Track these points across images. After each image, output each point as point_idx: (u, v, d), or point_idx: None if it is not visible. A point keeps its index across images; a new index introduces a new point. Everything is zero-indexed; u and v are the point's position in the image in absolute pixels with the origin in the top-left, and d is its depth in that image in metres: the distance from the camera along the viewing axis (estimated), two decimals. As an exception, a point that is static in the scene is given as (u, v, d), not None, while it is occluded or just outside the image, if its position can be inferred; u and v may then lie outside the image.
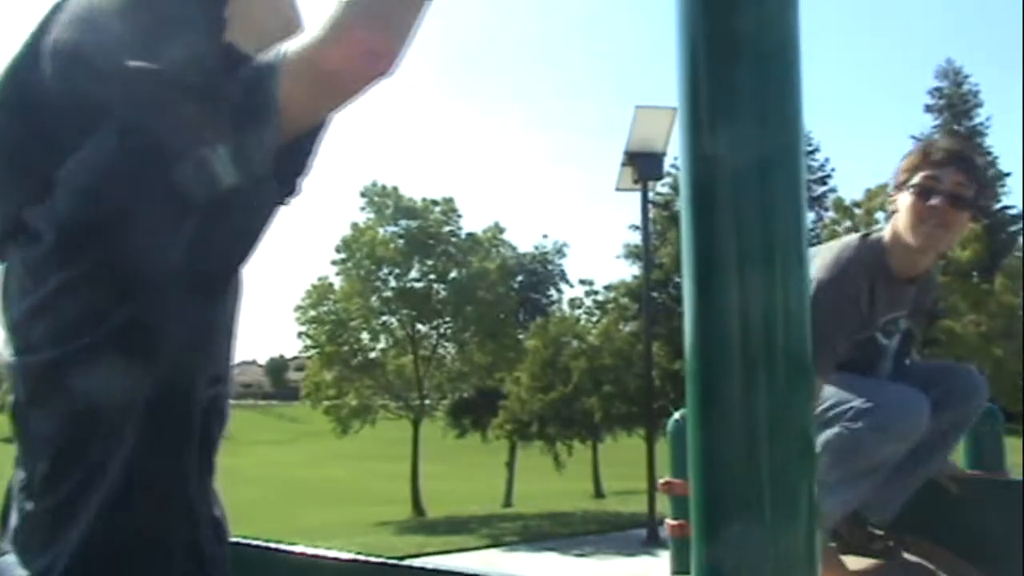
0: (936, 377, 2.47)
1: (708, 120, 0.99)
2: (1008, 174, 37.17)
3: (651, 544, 10.61)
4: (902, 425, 2.28)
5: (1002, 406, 3.64)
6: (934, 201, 2.37)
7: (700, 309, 0.99)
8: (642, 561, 9.72)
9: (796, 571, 0.95)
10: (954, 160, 2.41)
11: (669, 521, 3.37)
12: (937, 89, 36.69)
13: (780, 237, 0.97)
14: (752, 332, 0.96)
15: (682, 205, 1.02)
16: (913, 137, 28.32)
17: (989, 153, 36.00)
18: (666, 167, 12.37)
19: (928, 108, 36.58)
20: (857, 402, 2.28)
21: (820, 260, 2.40)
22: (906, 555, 2.38)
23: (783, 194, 0.98)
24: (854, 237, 2.50)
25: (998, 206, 35.63)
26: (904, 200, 2.43)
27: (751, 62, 0.98)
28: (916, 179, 2.41)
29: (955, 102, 35.01)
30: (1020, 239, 37.08)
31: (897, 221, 2.44)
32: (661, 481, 3.45)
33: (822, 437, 2.34)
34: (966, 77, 35.96)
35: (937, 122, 35.34)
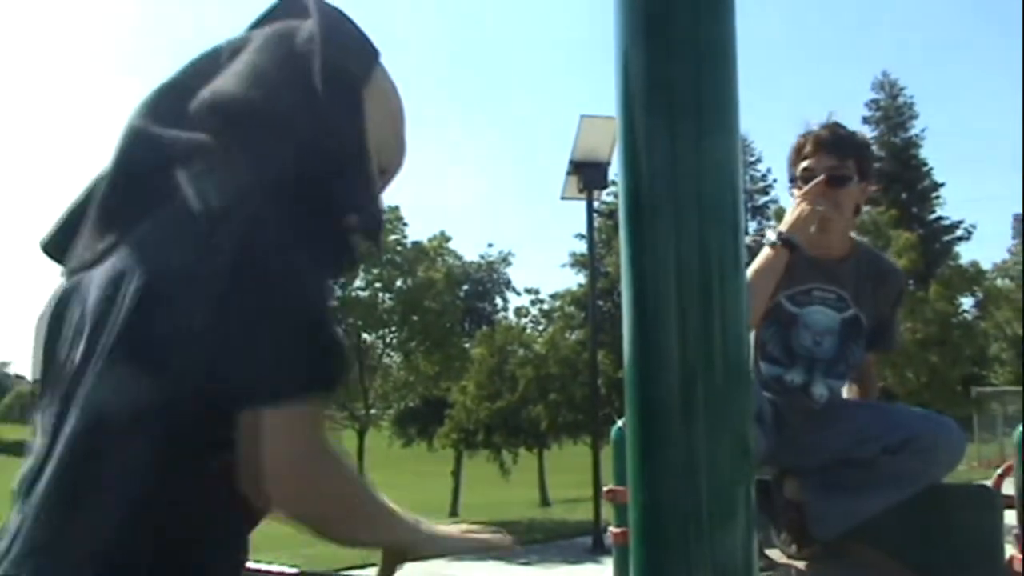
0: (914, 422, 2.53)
1: (644, 129, 1.00)
2: (942, 184, 38.07)
3: (597, 552, 10.65)
4: (947, 451, 2.42)
5: (937, 411, 3.72)
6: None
7: (638, 318, 0.99)
8: (587, 569, 9.75)
9: (734, 573, 0.97)
10: (824, 144, 2.59)
11: (612, 529, 3.38)
12: (874, 101, 37.51)
13: (717, 245, 0.98)
14: (690, 340, 0.97)
15: (620, 214, 1.02)
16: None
17: (924, 164, 36.75)
18: (611, 176, 12.46)
19: (865, 120, 37.41)
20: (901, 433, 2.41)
21: None
22: (837, 558, 2.41)
23: (720, 203, 0.99)
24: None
25: (932, 216, 36.44)
26: (796, 192, 2.61)
27: (688, 69, 0.99)
28: (797, 171, 2.62)
29: (891, 114, 35.79)
30: (955, 248, 37.99)
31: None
32: (605, 489, 3.47)
33: (889, 469, 2.40)
34: (901, 89, 36.80)
35: (874, 133, 36.09)
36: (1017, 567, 2.33)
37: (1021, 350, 36.66)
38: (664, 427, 0.97)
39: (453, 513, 18.02)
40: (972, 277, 37.66)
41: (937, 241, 36.88)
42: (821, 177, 2.48)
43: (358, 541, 1.28)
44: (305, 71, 1.13)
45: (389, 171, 1.27)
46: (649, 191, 1.00)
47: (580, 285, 28.91)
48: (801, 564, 2.29)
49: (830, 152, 2.56)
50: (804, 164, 2.59)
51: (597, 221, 13.30)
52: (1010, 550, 2.39)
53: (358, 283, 22.64)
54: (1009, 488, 2.53)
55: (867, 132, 35.78)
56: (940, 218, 38.43)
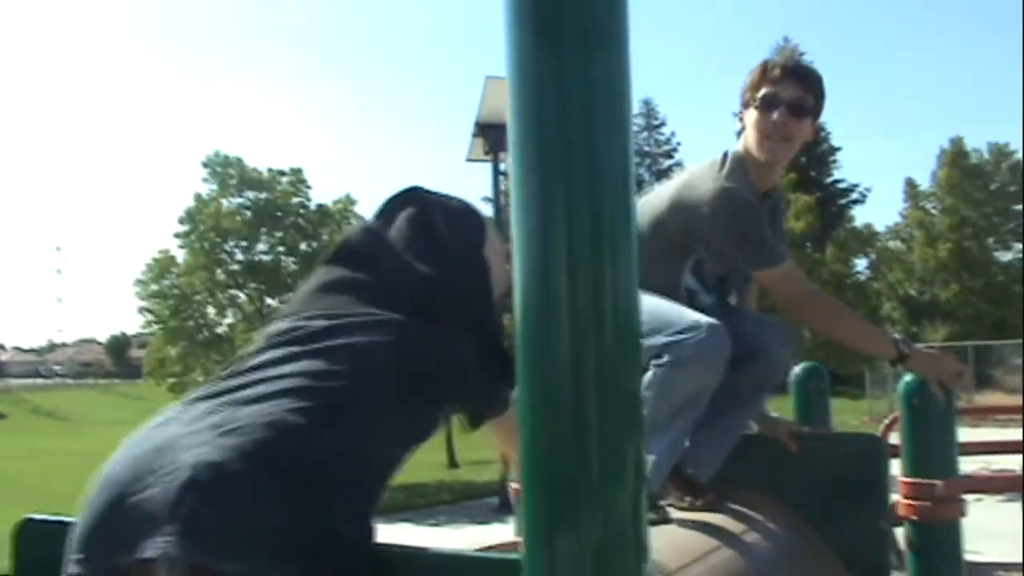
0: (750, 327, 2.57)
1: (535, 90, 1.00)
2: (839, 148, 39.09)
3: (504, 512, 10.76)
4: (707, 356, 2.35)
5: (830, 369, 3.85)
6: (775, 115, 2.48)
7: (529, 278, 1.00)
8: (494, 528, 9.85)
9: (624, 530, 0.99)
10: (792, 73, 2.53)
11: (514, 485, 3.42)
12: (774, 66, 38.12)
13: (608, 208, 0.99)
14: (581, 300, 0.98)
15: (511, 178, 1.03)
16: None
17: (822, 129, 37.63)
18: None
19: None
20: (661, 338, 2.33)
21: (701, 179, 2.48)
22: (731, 505, 2.47)
23: (611, 166, 1.00)
24: (719, 158, 2.55)
25: (829, 180, 37.45)
26: (750, 116, 2.53)
27: (578, 31, 1.00)
28: (759, 94, 2.51)
29: (791, 79, 36.39)
30: (850, 211, 39.16)
31: (746, 138, 2.54)
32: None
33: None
34: (801, 55, 37.46)
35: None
36: (901, 512, 2.43)
37: (911, 309, 38.15)
38: (554, 385, 0.98)
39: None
40: (866, 239, 38.95)
41: (834, 204, 37.94)
42: (967, 374, 2.46)
43: None
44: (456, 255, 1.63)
45: (500, 293, 1.69)
46: (539, 153, 1.00)
47: (487, 248, 28.81)
48: (692, 515, 2.34)
49: (798, 82, 2.50)
50: (768, 89, 2.49)
51: (503, 184, 13.28)
52: (895, 496, 2.50)
53: (261, 247, 22.24)
54: (896, 439, 2.63)
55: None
56: (837, 181, 39.54)
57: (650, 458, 2.38)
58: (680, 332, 2.33)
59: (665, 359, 2.31)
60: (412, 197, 1.71)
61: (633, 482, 0.99)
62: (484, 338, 1.58)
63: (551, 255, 0.98)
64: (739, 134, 2.59)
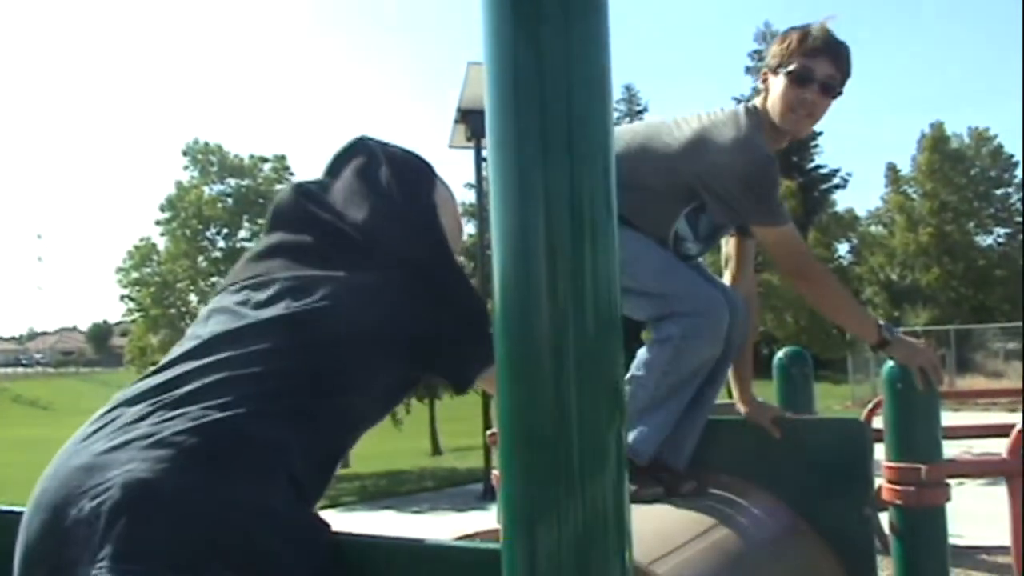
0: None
1: (512, 68, 0.98)
2: (820, 133, 39.16)
3: (486, 499, 10.76)
4: (714, 333, 2.38)
5: (814, 354, 3.85)
6: (807, 92, 2.46)
7: (508, 264, 0.98)
8: (476, 515, 9.85)
9: (606, 517, 0.97)
10: (828, 50, 2.49)
11: (496, 472, 3.41)
12: (756, 52, 38.18)
13: (588, 190, 0.97)
14: (561, 283, 0.96)
15: (491, 167, 1.00)
16: (735, 98, 29.41)
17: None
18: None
19: (748, 70, 38.04)
20: (668, 308, 2.37)
21: (722, 128, 2.44)
22: (716, 491, 2.46)
23: (592, 149, 0.98)
24: (740, 110, 2.52)
25: (811, 165, 37.59)
26: (778, 84, 2.50)
27: (559, 19, 0.97)
28: (792, 65, 2.47)
29: (773, 64, 36.44)
30: (831, 196, 39.30)
31: (769, 102, 2.52)
32: (489, 433, 3.49)
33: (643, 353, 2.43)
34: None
35: (757, 83, 36.76)
36: (885, 496, 2.43)
37: (892, 294, 38.37)
38: (534, 371, 0.96)
39: (345, 464, 17.98)
40: (848, 224, 39.09)
41: (815, 189, 38.06)
42: (937, 360, 2.42)
43: None
44: (395, 202, 1.58)
45: (456, 248, 1.66)
46: (519, 138, 0.97)
47: (470, 235, 28.88)
48: (676, 502, 2.32)
49: (832, 60, 2.47)
50: (803, 61, 2.44)
51: (485, 169, 13.26)
52: (879, 481, 2.49)
53: (243, 234, 22.13)
54: (879, 423, 2.63)
55: (750, 82, 36.58)
56: (818, 166, 39.66)
57: (643, 430, 2.38)
58: (690, 306, 2.35)
59: (674, 333, 2.35)
60: (358, 148, 1.68)
61: (615, 468, 0.97)
62: (442, 287, 1.51)
63: (530, 237, 0.96)
64: (755, 91, 2.59)
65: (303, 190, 1.62)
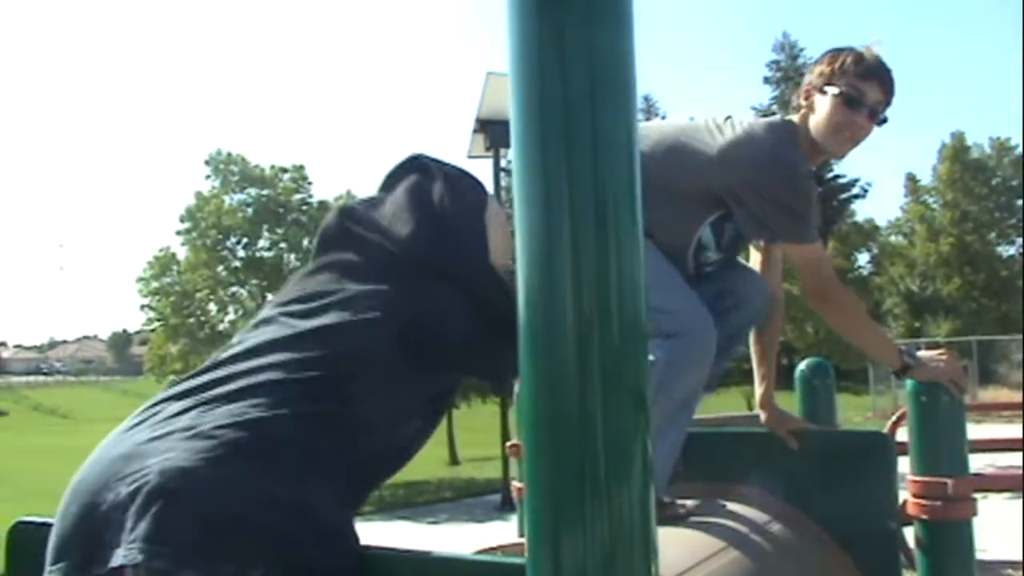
0: (727, 279, 2.59)
1: (539, 87, 0.97)
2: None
3: (505, 509, 10.73)
4: (699, 351, 2.33)
5: (834, 364, 3.81)
6: (856, 115, 2.43)
7: (533, 272, 0.96)
8: (494, 526, 9.82)
9: (632, 530, 0.95)
10: (879, 75, 2.45)
11: (515, 483, 3.39)
12: (775, 62, 38.11)
13: (613, 200, 0.96)
14: (585, 291, 0.94)
15: (515, 173, 0.99)
16: (753, 108, 29.36)
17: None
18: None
19: (766, 80, 37.95)
20: (659, 325, 2.28)
21: (760, 139, 2.40)
22: (737, 505, 2.43)
23: (616, 161, 0.97)
24: (778, 122, 2.50)
25: (830, 175, 37.42)
26: (824, 103, 2.45)
27: (583, 25, 0.96)
28: (842, 86, 2.43)
29: (791, 74, 36.37)
30: (851, 206, 39.10)
31: (812, 120, 2.47)
32: (509, 444, 3.47)
33: None
34: (801, 50, 37.40)
35: (775, 93, 36.71)
36: (911, 511, 2.39)
37: (913, 304, 38.11)
38: (558, 379, 0.95)
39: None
40: (867, 234, 38.89)
41: (835, 199, 37.87)
42: (962, 371, 2.40)
43: None
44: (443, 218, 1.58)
45: (507, 263, 1.65)
46: (543, 150, 0.96)
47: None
48: (699, 517, 2.29)
49: (881, 86, 2.44)
50: (855, 84, 2.41)
51: (504, 180, 13.24)
52: (904, 495, 2.46)
53: (262, 243, 22.25)
54: (903, 435, 2.59)
55: (768, 92, 36.52)
56: (837, 176, 39.45)
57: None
58: (677, 326, 2.30)
59: (658, 357, 2.26)
60: (413, 165, 1.69)
61: (641, 480, 0.96)
62: (483, 300, 1.52)
63: (554, 245, 0.95)
64: (794, 106, 2.53)
65: (347, 212, 1.65)
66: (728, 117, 2.48)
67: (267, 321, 1.48)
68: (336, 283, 1.49)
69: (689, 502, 2.38)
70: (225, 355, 1.43)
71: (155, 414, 1.34)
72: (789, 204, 2.36)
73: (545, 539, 0.96)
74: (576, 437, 0.94)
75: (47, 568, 1.25)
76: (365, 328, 1.41)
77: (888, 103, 2.49)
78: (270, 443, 1.26)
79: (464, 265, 1.55)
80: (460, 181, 1.68)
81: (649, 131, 2.48)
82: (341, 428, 1.34)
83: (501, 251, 1.65)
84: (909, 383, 2.40)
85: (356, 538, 1.31)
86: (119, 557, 1.17)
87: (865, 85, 2.42)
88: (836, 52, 2.49)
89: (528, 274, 0.96)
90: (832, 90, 2.43)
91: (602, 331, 0.94)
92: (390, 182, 1.68)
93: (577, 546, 0.94)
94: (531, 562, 0.96)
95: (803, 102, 2.51)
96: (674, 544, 1.94)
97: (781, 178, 2.34)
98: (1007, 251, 40.19)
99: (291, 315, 1.46)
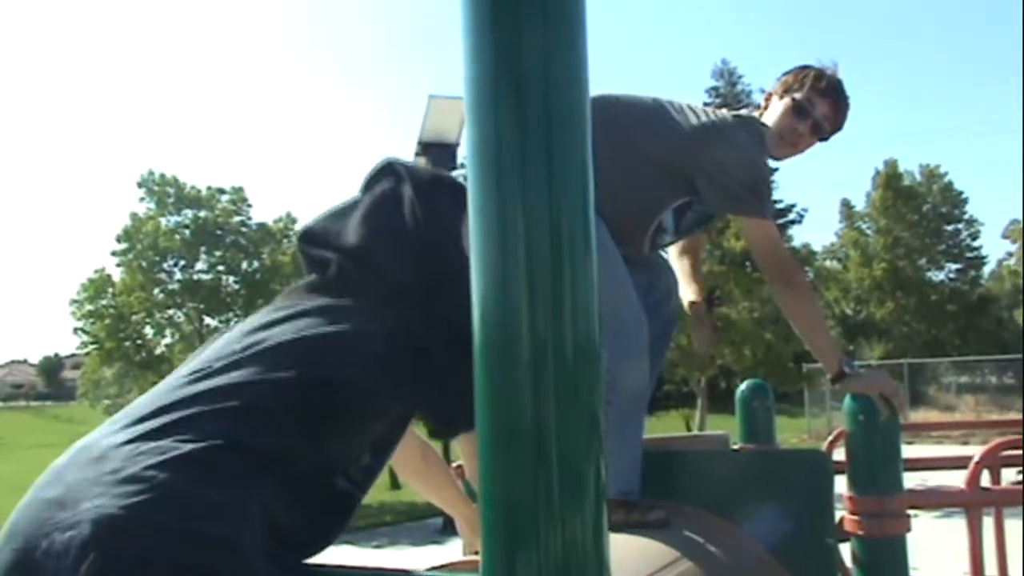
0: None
1: (492, 110, 0.99)
2: (776, 169, 39.73)
3: (447, 532, 10.67)
4: (638, 346, 2.41)
5: (772, 386, 3.88)
6: (801, 124, 2.61)
7: (488, 293, 0.98)
8: (435, 550, 9.77)
9: (586, 551, 0.97)
10: (835, 96, 2.63)
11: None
12: (714, 88, 38.76)
13: (567, 220, 0.98)
14: (540, 313, 0.96)
15: (470, 195, 1.01)
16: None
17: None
18: (460, 158, 12.43)
19: (706, 104, 38.50)
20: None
21: (725, 121, 2.55)
22: (679, 522, 2.45)
23: (571, 184, 0.99)
24: (749, 117, 2.64)
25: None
26: (778, 107, 2.65)
27: (539, 49, 0.99)
28: (798, 95, 2.61)
29: (730, 100, 37.01)
30: (788, 231, 39.77)
31: (766, 119, 2.65)
32: (455, 464, 3.46)
33: None
34: (739, 77, 38.12)
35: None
36: (847, 527, 2.45)
37: (847, 328, 38.84)
38: (513, 401, 0.96)
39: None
40: (804, 258, 39.56)
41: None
42: (896, 388, 2.46)
43: None
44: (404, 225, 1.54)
45: None
46: (496, 167, 0.99)
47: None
48: (639, 532, 2.30)
49: (833, 104, 2.62)
50: (808, 95, 2.60)
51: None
52: (839, 514, 2.52)
53: (200, 266, 21.93)
54: (840, 455, 2.65)
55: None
56: (776, 201, 40.16)
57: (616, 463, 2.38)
58: (614, 326, 2.36)
59: (606, 353, 2.32)
60: (385, 171, 1.65)
61: (594, 498, 0.98)
62: (444, 312, 1.41)
63: (509, 269, 0.97)
64: (757, 107, 2.73)
65: (302, 235, 1.64)
66: (699, 104, 2.65)
67: (216, 338, 1.47)
68: (291, 303, 1.47)
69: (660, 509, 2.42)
70: (164, 383, 1.40)
71: (88, 448, 1.31)
72: (749, 182, 2.48)
73: (499, 556, 0.97)
74: (530, 455, 0.96)
75: None
76: (307, 349, 1.38)
77: (837, 125, 2.67)
78: (201, 481, 1.23)
79: (425, 272, 1.50)
80: (433, 185, 1.63)
81: (621, 99, 2.58)
82: (278, 461, 1.31)
83: None
84: (847, 403, 2.47)
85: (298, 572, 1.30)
86: None
87: (818, 100, 2.61)
88: (804, 68, 2.70)
89: (483, 295, 0.98)
90: (787, 97, 2.62)
91: (556, 350, 0.96)
92: (366, 188, 1.65)
93: (531, 563, 0.95)
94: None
95: (763, 103, 2.71)
96: (614, 561, 1.95)
97: (744, 158, 2.48)
98: (936, 276, 41.21)
99: (242, 334, 1.43)
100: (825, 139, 2.66)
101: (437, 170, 1.72)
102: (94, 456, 1.27)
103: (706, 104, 2.78)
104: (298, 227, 1.76)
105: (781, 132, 2.60)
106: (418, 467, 2.21)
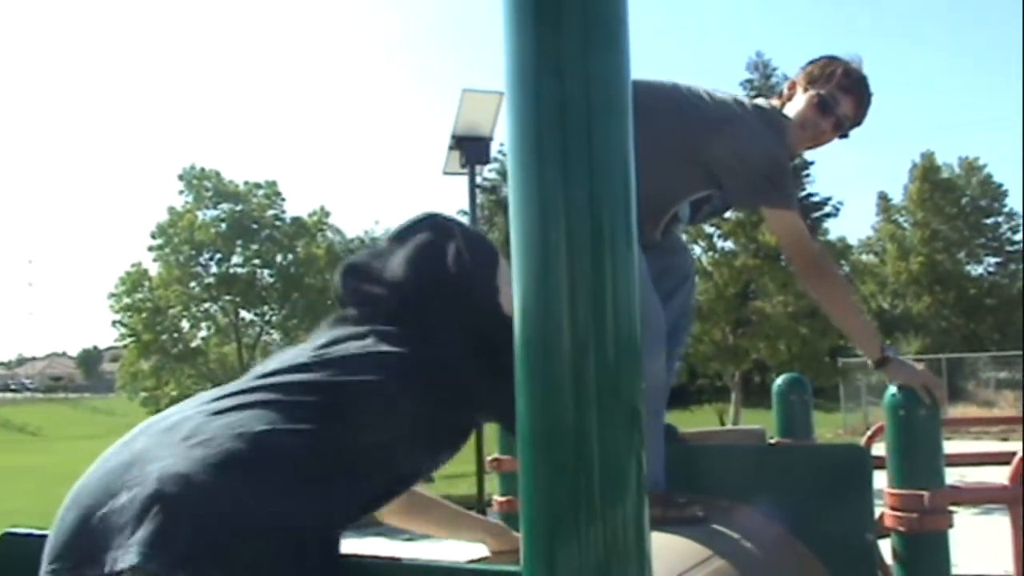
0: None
1: (534, 108, 0.99)
2: (812, 163, 39.40)
3: (481, 526, 10.68)
4: (655, 336, 2.40)
5: (810, 379, 3.85)
6: (823, 120, 2.58)
7: (529, 291, 0.98)
8: (470, 544, 9.78)
9: (627, 547, 0.97)
10: (859, 93, 2.60)
11: (497, 498, 3.40)
12: (748, 81, 38.45)
13: (609, 216, 0.98)
14: (581, 311, 0.96)
15: (511, 192, 1.01)
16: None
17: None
18: (493, 152, 12.42)
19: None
20: None
21: (745, 109, 2.53)
22: (716, 518, 2.44)
23: (612, 179, 0.98)
24: (771, 107, 2.62)
25: (803, 193, 37.79)
26: (801, 99, 2.61)
27: (580, 44, 0.98)
28: (824, 89, 2.57)
29: (764, 93, 36.69)
30: (823, 225, 39.45)
31: (786, 110, 2.62)
32: (490, 458, 3.47)
33: None
34: (774, 70, 37.78)
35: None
36: (887, 523, 2.43)
37: (884, 323, 38.45)
38: (554, 397, 0.96)
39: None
40: (839, 252, 39.18)
41: (807, 218, 38.10)
42: (942, 396, 2.42)
43: None
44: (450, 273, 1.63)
45: None
46: (538, 164, 0.99)
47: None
48: (676, 529, 2.29)
49: (858, 103, 2.60)
50: (833, 91, 2.57)
51: (479, 197, 13.25)
52: (879, 510, 2.49)
53: (236, 259, 22.13)
54: (878, 451, 2.63)
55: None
56: (810, 195, 39.76)
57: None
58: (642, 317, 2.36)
59: None
60: (429, 223, 1.74)
61: (635, 494, 0.97)
62: (494, 343, 1.51)
63: (551, 264, 0.97)
64: (780, 95, 2.68)
65: (347, 269, 1.72)
66: (719, 90, 2.60)
67: (278, 353, 1.55)
68: (343, 327, 1.56)
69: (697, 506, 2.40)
70: (228, 388, 1.47)
71: (154, 425, 1.38)
72: (769, 172, 2.46)
73: (541, 551, 0.97)
74: (572, 452, 0.96)
75: (44, 570, 1.27)
76: (373, 362, 1.46)
77: (857, 122, 2.63)
78: (267, 456, 1.29)
79: (478, 310, 1.59)
80: (475, 240, 1.74)
81: (646, 85, 2.54)
82: (339, 452, 1.37)
83: (510, 306, 1.69)
84: (888, 396, 2.44)
85: (337, 558, 1.34)
86: (116, 561, 1.19)
87: (843, 97, 2.57)
88: (831, 59, 2.64)
89: (524, 293, 0.98)
90: (812, 91, 2.57)
91: (597, 348, 0.96)
92: (403, 234, 1.73)
93: (573, 558, 0.96)
94: (526, 572, 0.97)
95: (786, 91, 2.66)
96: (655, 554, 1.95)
97: (763, 149, 2.45)
98: (975, 270, 40.69)
99: (305, 350, 1.52)
100: (845, 136, 2.63)
101: (478, 230, 1.84)
102: (164, 427, 1.34)
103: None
104: (340, 264, 1.81)
105: (803, 125, 2.58)
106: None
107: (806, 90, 2.59)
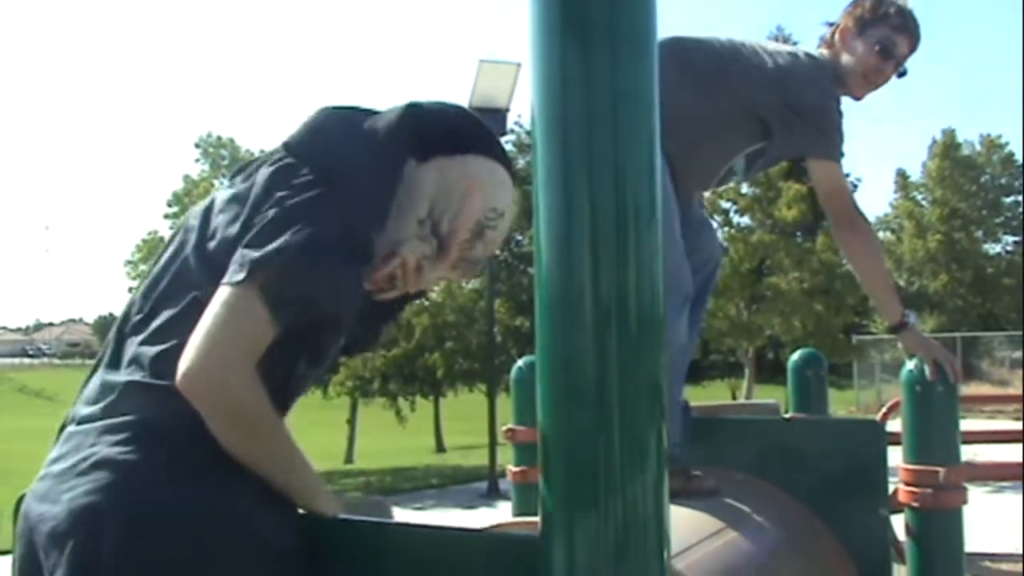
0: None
1: (560, 85, 0.99)
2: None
3: (491, 497, 10.78)
4: (679, 301, 2.37)
5: (826, 355, 3.85)
6: (887, 65, 2.56)
7: (552, 267, 0.98)
8: (481, 513, 9.86)
9: (646, 516, 0.97)
10: (911, 32, 2.58)
11: (512, 468, 3.41)
12: (768, 55, 38.09)
13: (632, 198, 0.98)
14: (604, 279, 0.96)
15: (535, 170, 1.01)
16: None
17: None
18: (510, 124, 12.37)
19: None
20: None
21: (800, 61, 2.50)
22: (730, 490, 2.44)
23: (636, 159, 0.99)
24: (822, 57, 2.59)
25: (821, 169, 37.49)
26: (858, 46, 2.56)
27: (605, 32, 0.98)
28: (879, 33, 2.54)
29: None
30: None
31: (843, 59, 2.57)
32: (505, 428, 3.48)
33: None
34: (796, 44, 37.42)
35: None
36: (902, 499, 2.43)
37: (900, 300, 38.25)
38: (577, 370, 0.97)
39: (349, 460, 17.99)
40: (856, 229, 38.89)
41: (824, 193, 37.84)
42: (953, 357, 2.46)
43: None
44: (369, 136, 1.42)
45: (453, 233, 1.43)
46: (565, 145, 0.99)
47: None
48: (688, 502, 2.29)
49: (911, 41, 2.57)
50: (890, 34, 2.54)
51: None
52: (893, 486, 2.49)
53: (251, 229, 22.14)
54: (895, 426, 2.62)
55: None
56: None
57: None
58: (671, 283, 2.34)
59: None
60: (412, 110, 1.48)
61: (655, 463, 0.98)
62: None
63: (574, 236, 0.97)
64: (825, 42, 2.63)
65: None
66: (772, 44, 2.61)
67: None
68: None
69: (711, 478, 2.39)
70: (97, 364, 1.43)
71: (64, 434, 1.35)
72: (823, 124, 2.46)
73: (560, 519, 0.98)
74: (592, 420, 0.96)
75: None
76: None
77: (908, 57, 2.61)
78: (162, 447, 1.26)
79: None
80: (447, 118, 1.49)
81: (702, 43, 2.53)
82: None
83: (443, 215, 1.45)
84: (905, 372, 2.44)
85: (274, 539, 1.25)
86: None
87: (899, 37, 2.55)
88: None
89: (548, 261, 0.99)
90: (871, 36, 2.54)
91: (620, 317, 0.96)
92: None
93: (590, 525, 0.96)
94: (545, 539, 0.98)
95: (836, 39, 2.60)
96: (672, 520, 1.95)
97: (819, 101, 2.46)
98: (993, 249, 40.39)
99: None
100: (904, 74, 2.63)
101: (456, 107, 1.54)
102: (67, 444, 1.31)
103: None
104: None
105: (866, 73, 2.55)
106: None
107: (860, 34, 2.55)
